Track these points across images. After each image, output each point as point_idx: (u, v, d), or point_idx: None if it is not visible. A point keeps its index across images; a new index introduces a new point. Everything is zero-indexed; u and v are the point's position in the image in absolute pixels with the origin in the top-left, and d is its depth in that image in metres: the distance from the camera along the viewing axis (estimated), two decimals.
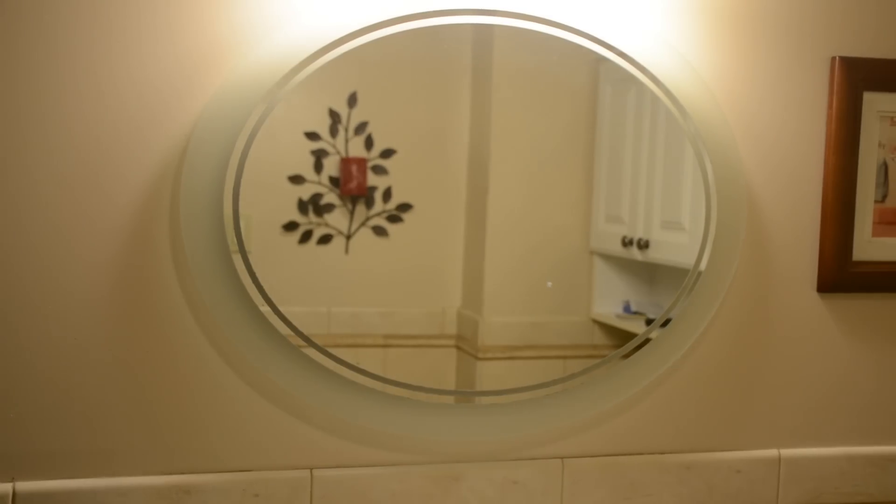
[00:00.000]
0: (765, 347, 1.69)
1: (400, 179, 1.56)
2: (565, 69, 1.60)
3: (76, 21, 1.39)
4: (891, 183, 1.72)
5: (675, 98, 1.56)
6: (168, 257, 1.45)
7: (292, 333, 1.47)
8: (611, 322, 1.67)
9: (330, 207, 1.55)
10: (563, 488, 1.62)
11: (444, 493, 1.57)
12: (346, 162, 1.54)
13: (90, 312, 1.43)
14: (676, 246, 1.65)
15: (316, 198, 1.54)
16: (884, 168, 1.72)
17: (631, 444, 1.65)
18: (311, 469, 1.53)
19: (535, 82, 1.60)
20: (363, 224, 1.56)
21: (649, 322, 1.63)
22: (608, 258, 1.68)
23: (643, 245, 1.67)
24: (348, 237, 1.56)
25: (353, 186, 1.55)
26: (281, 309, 1.46)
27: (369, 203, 1.56)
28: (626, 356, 1.60)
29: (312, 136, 1.53)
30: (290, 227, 1.54)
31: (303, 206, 1.54)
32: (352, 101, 1.53)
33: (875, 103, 1.68)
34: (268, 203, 1.52)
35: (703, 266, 1.60)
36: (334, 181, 1.55)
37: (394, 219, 1.57)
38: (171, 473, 1.48)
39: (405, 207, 1.57)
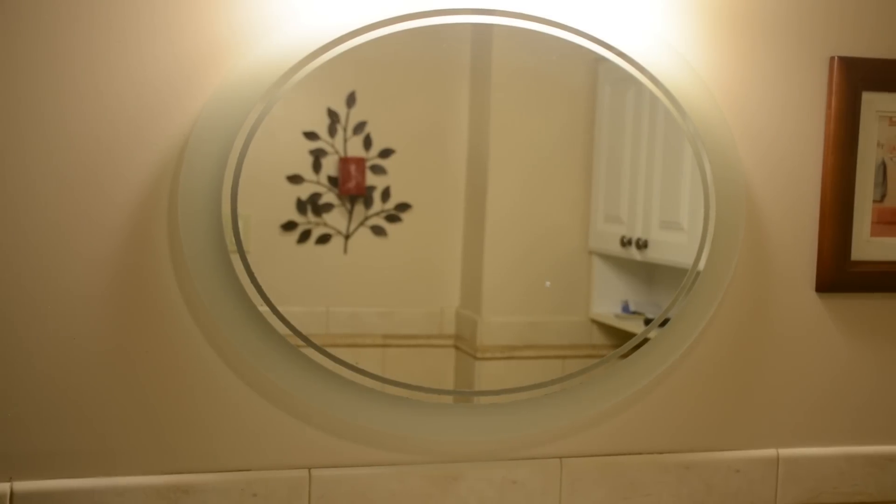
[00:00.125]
0: (763, 347, 1.70)
1: (398, 179, 1.56)
2: (564, 69, 1.59)
3: (75, 21, 1.38)
4: (889, 183, 1.72)
5: (673, 98, 1.56)
6: (166, 257, 1.45)
7: (291, 333, 1.47)
8: (609, 322, 1.67)
9: (328, 207, 1.55)
10: (562, 488, 1.62)
11: (443, 493, 1.57)
12: (344, 161, 1.54)
13: (88, 312, 1.43)
14: (675, 246, 1.65)
15: (314, 197, 1.54)
16: (882, 168, 1.72)
17: (630, 443, 1.65)
18: (310, 469, 1.53)
19: (534, 82, 1.60)
20: (362, 224, 1.56)
21: (648, 322, 1.63)
22: (607, 258, 1.68)
23: (642, 245, 1.67)
24: (347, 237, 1.56)
25: (352, 186, 1.55)
26: (279, 309, 1.46)
27: (368, 203, 1.56)
28: (625, 356, 1.60)
29: (311, 135, 1.53)
30: (289, 226, 1.54)
31: (301, 206, 1.54)
32: (350, 100, 1.53)
33: (874, 103, 1.68)
34: (266, 202, 1.52)
35: (701, 266, 1.60)
36: (333, 181, 1.55)
37: (392, 218, 1.57)
38: (169, 473, 1.47)
39: (404, 207, 1.57)
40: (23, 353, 1.42)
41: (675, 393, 1.66)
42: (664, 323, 1.61)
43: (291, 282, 1.53)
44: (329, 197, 1.55)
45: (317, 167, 1.53)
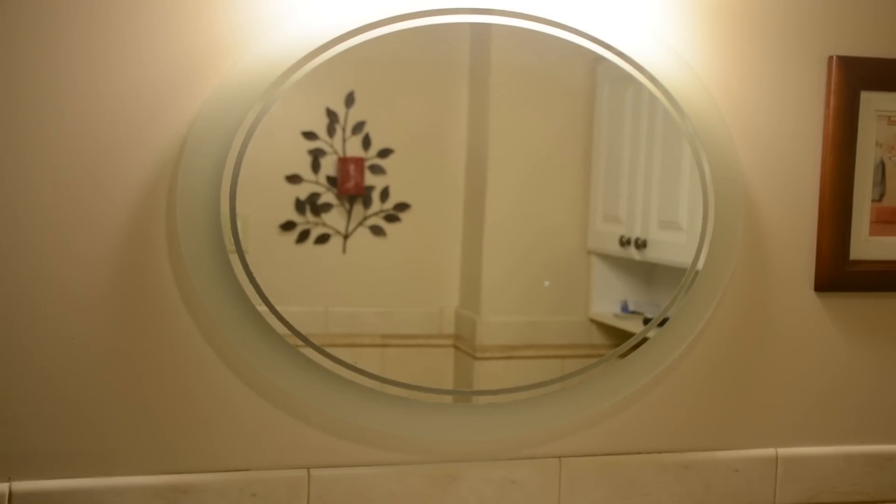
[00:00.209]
0: (762, 346, 1.70)
1: (397, 179, 1.56)
2: (563, 68, 1.59)
3: (74, 20, 1.38)
4: (888, 182, 1.72)
5: (672, 97, 1.56)
6: (165, 256, 1.45)
7: (290, 333, 1.47)
8: (608, 321, 1.67)
9: (327, 207, 1.55)
10: (561, 488, 1.62)
11: (442, 493, 1.57)
12: (343, 161, 1.54)
13: (86, 312, 1.43)
14: (674, 245, 1.65)
15: (313, 197, 1.54)
16: (881, 167, 1.72)
17: (629, 443, 1.65)
18: (309, 469, 1.53)
19: (533, 81, 1.60)
20: (361, 224, 1.56)
21: (647, 321, 1.63)
22: (606, 258, 1.68)
23: (641, 244, 1.67)
24: (346, 237, 1.56)
25: (351, 186, 1.55)
26: (278, 309, 1.46)
27: (367, 203, 1.56)
28: (624, 355, 1.60)
29: (310, 135, 1.53)
30: (288, 226, 1.54)
31: (300, 206, 1.54)
32: (349, 100, 1.53)
33: (872, 102, 1.68)
34: (265, 202, 1.52)
35: (700, 265, 1.60)
36: (332, 181, 1.54)
37: (391, 218, 1.57)
38: (168, 473, 1.47)
39: (403, 207, 1.57)
40: (21, 352, 1.42)
41: (674, 392, 1.66)
42: (663, 322, 1.61)
43: (290, 282, 1.53)
44: (328, 197, 1.55)
45: (315, 167, 1.53)
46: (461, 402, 1.58)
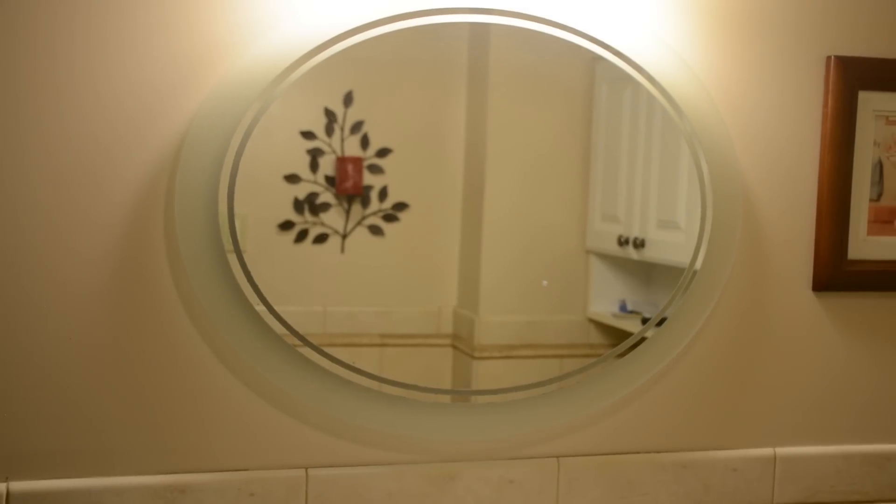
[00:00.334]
0: (760, 346, 1.70)
1: (396, 178, 1.56)
2: (562, 68, 1.60)
3: (73, 20, 1.38)
4: (886, 182, 1.72)
5: (671, 97, 1.56)
6: (163, 256, 1.45)
7: (288, 333, 1.47)
8: (607, 321, 1.67)
9: (326, 206, 1.55)
10: (559, 487, 1.62)
11: (441, 493, 1.57)
12: (341, 161, 1.54)
13: (85, 311, 1.43)
14: (672, 245, 1.65)
15: (312, 197, 1.54)
16: (879, 167, 1.72)
17: (627, 442, 1.65)
18: (307, 468, 1.52)
19: (531, 81, 1.60)
20: (359, 223, 1.56)
21: (645, 321, 1.63)
22: (604, 257, 1.68)
23: (639, 244, 1.67)
24: (344, 236, 1.56)
25: (349, 185, 1.55)
26: (276, 308, 1.46)
27: (365, 202, 1.56)
28: (622, 355, 1.60)
29: (308, 135, 1.53)
30: (286, 226, 1.53)
31: (298, 206, 1.53)
32: (347, 99, 1.53)
33: (870, 102, 1.69)
34: (263, 202, 1.52)
35: (698, 265, 1.60)
36: (330, 180, 1.54)
37: (390, 218, 1.57)
38: (166, 473, 1.47)
39: (401, 206, 1.57)
40: (19, 352, 1.41)
41: (673, 392, 1.66)
42: (661, 322, 1.61)
43: (288, 281, 1.53)
44: (326, 196, 1.54)
45: (314, 166, 1.53)
46: (459, 402, 1.58)
